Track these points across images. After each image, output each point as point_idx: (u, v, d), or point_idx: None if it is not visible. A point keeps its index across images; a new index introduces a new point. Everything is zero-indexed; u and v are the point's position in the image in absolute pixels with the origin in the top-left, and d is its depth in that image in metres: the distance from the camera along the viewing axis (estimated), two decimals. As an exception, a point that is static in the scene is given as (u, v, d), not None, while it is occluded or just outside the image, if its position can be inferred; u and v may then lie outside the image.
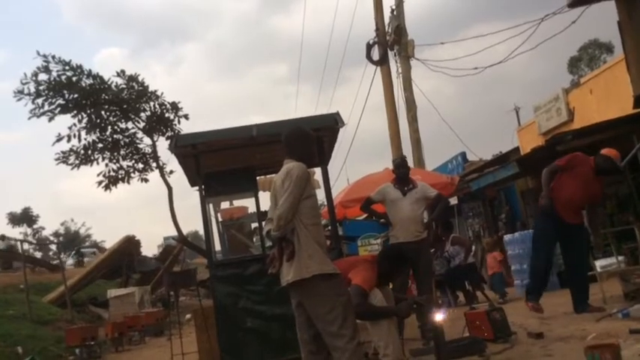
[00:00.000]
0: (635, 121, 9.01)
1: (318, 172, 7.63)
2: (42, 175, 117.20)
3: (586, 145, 9.42)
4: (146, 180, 11.98)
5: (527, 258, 9.95)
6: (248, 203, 10.45)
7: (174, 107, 11.57)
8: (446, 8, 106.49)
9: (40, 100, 10.68)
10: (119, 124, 11.41)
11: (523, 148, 15.86)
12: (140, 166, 11.83)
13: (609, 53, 34.90)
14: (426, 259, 6.55)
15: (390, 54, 13.53)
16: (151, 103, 11.42)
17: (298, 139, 4.05)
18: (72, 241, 51.60)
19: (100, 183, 11.57)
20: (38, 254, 41.74)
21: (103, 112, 11.10)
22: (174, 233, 12.86)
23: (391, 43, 13.40)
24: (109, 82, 11.07)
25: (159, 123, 11.48)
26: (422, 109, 14.02)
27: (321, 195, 7.38)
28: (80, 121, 11.00)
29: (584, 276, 6.66)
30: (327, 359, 3.82)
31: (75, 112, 10.89)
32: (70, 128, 11.00)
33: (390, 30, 13.42)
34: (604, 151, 6.41)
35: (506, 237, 11.90)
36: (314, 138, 4.17)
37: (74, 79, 10.78)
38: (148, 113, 11.43)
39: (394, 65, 13.55)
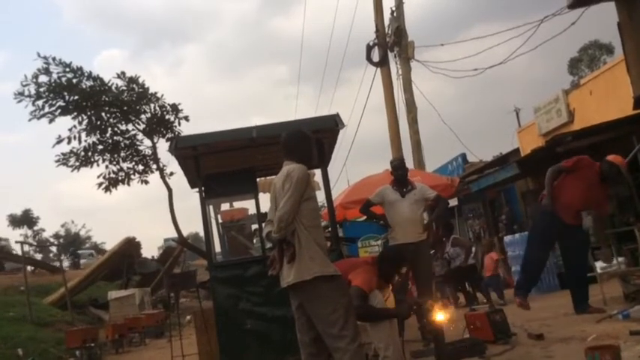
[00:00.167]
0: (635, 122, 9.00)
1: (318, 173, 7.63)
2: (42, 176, 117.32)
3: (586, 146, 9.43)
4: (146, 182, 11.98)
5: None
6: (248, 205, 10.50)
7: (175, 109, 11.55)
8: (446, 10, 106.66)
9: (40, 102, 10.67)
10: (119, 125, 11.40)
11: (523, 149, 15.85)
12: (140, 167, 11.82)
13: (610, 54, 34.91)
14: (426, 261, 6.54)
15: (390, 55, 13.54)
16: (152, 105, 11.41)
17: (297, 141, 4.04)
18: (72, 242, 51.58)
19: (100, 185, 11.56)
20: (39, 256, 41.68)
21: (103, 114, 11.08)
22: (175, 235, 12.84)
23: (391, 44, 13.41)
24: (109, 84, 11.06)
25: (159, 125, 11.47)
26: (422, 110, 14.04)
27: (321, 196, 7.40)
28: (80, 123, 10.99)
29: (583, 276, 6.66)
30: (328, 361, 3.82)
31: (75, 113, 10.87)
32: (70, 130, 11.00)
33: (390, 31, 13.42)
34: (610, 158, 6.39)
35: (507, 238, 11.89)
36: (313, 140, 4.17)
37: (74, 81, 10.77)
38: (149, 115, 11.42)
39: (394, 67, 13.57)
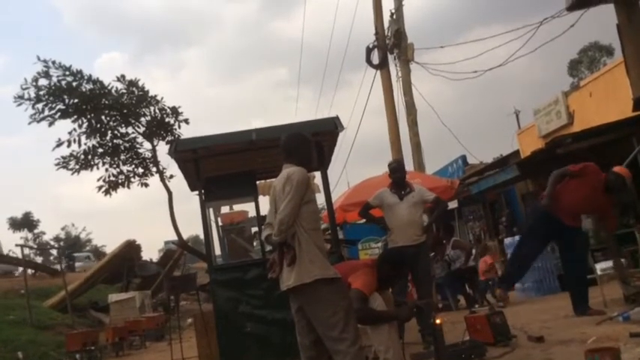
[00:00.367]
0: (635, 124, 9.01)
1: (317, 175, 7.64)
2: (43, 179, 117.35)
3: (586, 148, 9.44)
4: (146, 185, 11.96)
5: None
6: (248, 207, 10.49)
7: (175, 112, 11.55)
8: (445, 12, 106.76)
9: (40, 105, 10.65)
10: (119, 128, 11.38)
11: (523, 151, 15.87)
12: (140, 170, 11.80)
13: (609, 56, 34.94)
14: (425, 263, 6.54)
15: (390, 58, 13.54)
16: (151, 108, 11.40)
17: (297, 143, 4.05)
18: (72, 245, 51.58)
19: (100, 188, 11.55)
20: (39, 259, 41.67)
21: (103, 117, 11.08)
22: (175, 237, 12.85)
23: (391, 46, 13.42)
24: (109, 87, 11.05)
25: (159, 128, 11.46)
26: (422, 112, 14.06)
27: (321, 199, 7.40)
28: (80, 126, 10.98)
29: (582, 277, 6.66)
30: (328, 364, 3.82)
31: (75, 117, 10.86)
32: (70, 133, 10.98)
33: (389, 34, 13.43)
34: (616, 169, 6.41)
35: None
36: (313, 142, 4.17)
37: (74, 84, 10.76)
38: (148, 118, 11.41)
39: (394, 69, 13.57)
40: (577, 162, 6.60)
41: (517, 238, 11.17)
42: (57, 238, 55.17)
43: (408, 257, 5.95)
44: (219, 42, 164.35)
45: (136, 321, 14.64)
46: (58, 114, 10.82)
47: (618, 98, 10.84)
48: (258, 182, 8.14)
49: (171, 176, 11.73)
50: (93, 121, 11.03)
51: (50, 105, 10.75)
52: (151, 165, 11.81)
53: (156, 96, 11.48)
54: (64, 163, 11.15)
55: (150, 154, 11.73)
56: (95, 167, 11.37)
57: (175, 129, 11.64)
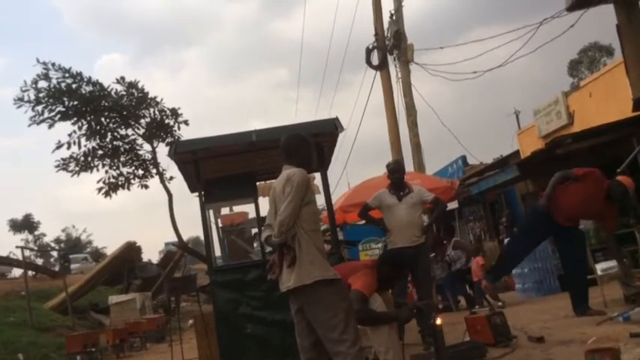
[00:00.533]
0: (635, 124, 9.00)
1: (317, 176, 7.64)
2: (43, 181, 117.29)
3: (586, 148, 9.44)
4: (146, 186, 11.97)
5: (527, 262, 9.96)
6: (248, 209, 10.49)
7: (174, 113, 11.55)
8: (445, 13, 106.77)
9: (39, 108, 10.66)
10: (119, 130, 11.38)
11: (523, 151, 15.87)
12: (140, 172, 11.80)
13: (609, 56, 34.93)
14: (425, 264, 6.53)
15: (390, 59, 13.53)
16: (151, 110, 11.40)
17: (297, 144, 4.05)
18: (73, 247, 51.55)
19: (100, 190, 11.55)
20: (40, 261, 41.65)
21: (102, 119, 11.08)
22: (176, 239, 12.84)
23: (390, 47, 13.41)
24: (108, 89, 11.06)
25: (159, 129, 11.46)
26: (422, 112, 14.02)
27: (320, 200, 7.41)
28: (80, 128, 10.98)
29: (581, 276, 6.66)
30: (328, 366, 3.81)
31: (75, 119, 10.86)
32: (69, 135, 10.99)
33: (389, 35, 13.42)
34: (619, 178, 6.41)
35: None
36: (312, 143, 4.18)
37: (74, 86, 10.76)
38: (148, 120, 11.41)
39: (394, 70, 13.57)
40: (577, 162, 6.61)
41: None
42: (57, 240, 55.18)
43: (407, 258, 5.94)
44: (219, 42, 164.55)
45: (137, 322, 14.64)
46: (58, 116, 10.83)
47: (618, 98, 10.83)
48: (258, 183, 8.14)
49: (171, 178, 11.74)
50: (93, 123, 11.03)
51: (50, 107, 10.77)
52: (151, 166, 11.81)
53: (155, 97, 11.49)
54: (63, 165, 11.16)
55: (150, 156, 11.73)
56: (95, 169, 11.38)
57: (175, 130, 11.65)
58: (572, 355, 4.57)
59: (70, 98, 10.79)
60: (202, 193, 6.87)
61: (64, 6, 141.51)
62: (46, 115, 10.77)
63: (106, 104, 10.98)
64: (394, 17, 13.41)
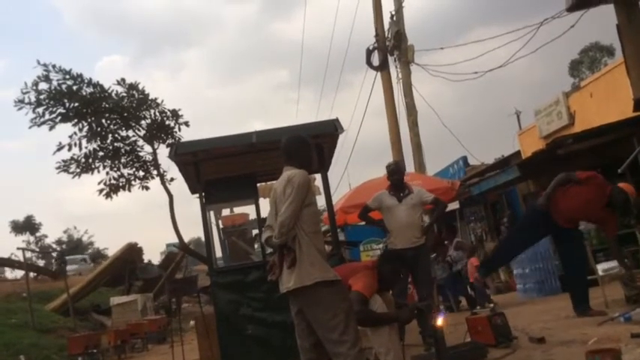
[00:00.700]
0: (636, 125, 9.00)
1: (318, 177, 7.64)
2: (44, 183, 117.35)
3: (587, 149, 9.43)
4: (147, 188, 11.97)
5: (528, 262, 9.97)
6: (249, 210, 10.50)
7: (175, 115, 11.55)
8: (445, 13, 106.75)
9: (40, 109, 10.66)
10: (120, 132, 11.38)
11: (524, 151, 15.86)
12: (141, 173, 11.79)
13: (610, 56, 34.90)
14: (425, 265, 6.53)
15: (390, 59, 13.55)
16: (152, 111, 11.39)
17: (297, 146, 4.05)
18: (74, 248, 51.52)
19: (101, 191, 11.56)
20: (41, 262, 41.61)
21: (103, 121, 11.08)
22: (177, 240, 12.85)
23: (391, 48, 13.42)
24: (109, 91, 11.07)
25: (159, 131, 11.46)
26: (423, 113, 14.02)
27: (321, 201, 7.41)
28: (81, 130, 10.98)
29: (581, 277, 6.65)
30: (328, 367, 3.81)
31: (75, 120, 10.86)
32: (70, 137, 10.99)
33: (389, 35, 13.44)
34: (621, 185, 6.40)
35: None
36: (313, 145, 4.18)
37: (74, 88, 10.76)
38: (149, 121, 11.41)
39: (394, 70, 13.58)
40: (578, 162, 6.62)
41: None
42: (59, 241, 55.09)
43: (407, 259, 5.94)
44: (220, 43, 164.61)
45: (138, 324, 14.65)
46: (59, 118, 10.84)
47: (619, 99, 10.83)
48: (258, 185, 8.15)
49: (172, 179, 11.73)
50: (93, 125, 11.04)
51: (51, 109, 10.77)
52: (152, 168, 11.81)
53: (156, 99, 11.49)
54: (64, 167, 11.16)
55: (150, 157, 11.73)
56: (96, 170, 11.38)
57: (176, 132, 11.65)
58: (573, 356, 4.57)
59: (71, 100, 10.80)
60: (203, 194, 6.87)
61: (65, 7, 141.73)
62: (46, 116, 10.78)
63: (107, 106, 10.98)
64: (394, 18, 13.42)
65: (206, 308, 9.95)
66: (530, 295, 10.20)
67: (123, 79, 11.29)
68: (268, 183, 9.03)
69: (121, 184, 11.68)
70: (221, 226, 10.69)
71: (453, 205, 15.15)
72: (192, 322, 14.57)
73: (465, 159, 19.48)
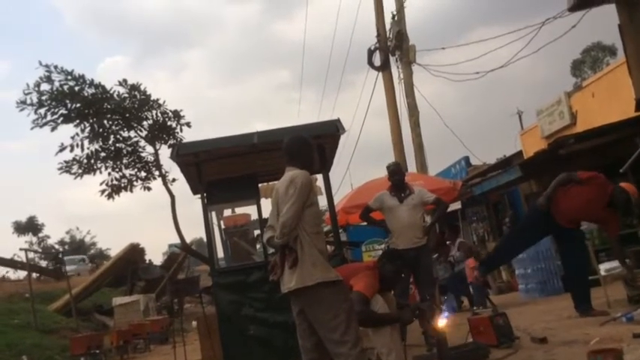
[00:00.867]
0: (638, 124, 8.97)
1: (319, 178, 7.64)
2: (47, 184, 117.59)
3: (589, 149, 9.41)
4: (149, 188, 11.96)
5: (530, 262, 9.95)
6: (250, 210, 10.50)
7: (177, 115, 11.55)
8: (447, 13, 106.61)
9: (42, 110, 10.66)
10: (122, 132, 11.38)
11: (526, 151, 15.84)
12: (143, 174, 11.79)
13: (612, 56, 34.87)
14: (426, 265, 6.53)
15: (392, 59, 13.56)
16: (153, 112, 11.39)
17: (299, 146, 4.06)
18: (77, 249, 51.60)
19: (103, 192, 11.57)
20: (43, 263, 41.63)
21: (105, 122, 11.08)
22: (179, 240, 12.85)
23: (392, 48, 13.43)
24: (111, 92, 11.07)
25: (161, 131, 11.46)
26: (424, 113, 14.02)
27: (323, 201, 7.41)
28: (83, 131, 10.98)
29: (582, 276, 6.64)
30: (329, 367, 3.82)
31: (77, 121, 10.86)
32: (72, 138, 11.00)
33: (391, 35, 13.44)
34: (623, 184, 6.39)
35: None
36: (314, 145, 4.18)
37: (76, 88, 10.77)
38: (150, 122, 11.40)
39: (396, 71, 13.58)
40: (580, 162, 6.60)
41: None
42: (62, 242, 55.17)
43: (409, 260, 5.94)
44: (221, 44, 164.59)
45: (140, 324, 14.66)
46: (61, 119, 10.84)
47: (621, 98, 10.82)
48: (260, 185, 8.15)
49: (174, 180, 11.73)
50: (95, 126, 11.04)
51: (52, 110, 10.77)
52: (154, 168, 11.81)
53: (158, 100, 11.50)
54: (66, 168, 11.17)
55: (152, 158, 11.74)
56: (98, 171, 11.37)
57: (177, 132, 11.65)
58: (575, 356, 4.56)
59: (73, 101, 10.80)
60: (204, 195, 6.88)
61: (66, 8, 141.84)
62: (48, 117, 10.78)
63: (109, 107, 10.99)
64: (396, 18, 13.43)
65: (208, 309, 9.98)
66: (533, 295, 10.18)
67: (125, 80, 11.30)
68: (270, 183, 9.03)
69: (122, 184, 11.68)
70: (223, 226, 10.70)
71: (455, 206, 15.16)
72: (194, 323, 14.58)
73: (466, 159, 19.46)
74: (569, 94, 14.57)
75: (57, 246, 51.97)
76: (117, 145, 11.42)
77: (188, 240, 13.65)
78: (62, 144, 11.00)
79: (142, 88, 11.34)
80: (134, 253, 22.00)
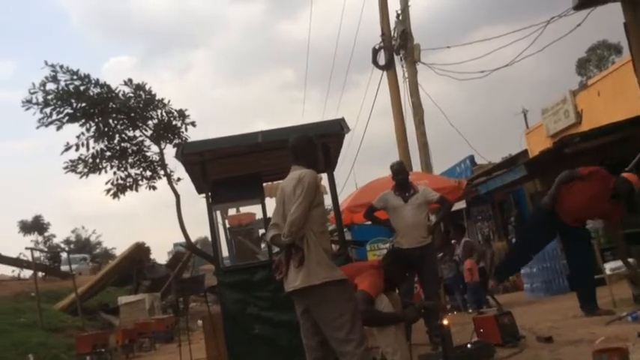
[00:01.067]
0: (643, 123, 8.96)
1: (324, 177, 7.64)
2: (52, 183, 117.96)
3: (594, 147, 9.39)
4: (154, 187, 11.98)
5: (536, 261, 9.93)
6: (255, 210, 10.51)
7: (182, 115, 11.56)
8: (452, 12, 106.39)
9: (48, 110, 10.69)
10: (127, 132, 11.39)
11: (531, 150, 15.81)
12: (148, 173, 11.81)
13: (618, 54, 34.73)
14: (431, 264, 6.52)
15: (396, 58, 13.53)
16: (159, 111, 11.40)
17: (305, 145, 4.07)
18: (82, 248, 51.75)
19: (108, 191, 11.60)
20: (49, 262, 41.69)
21: (110, 121, 11.10)
22: (184, 239, 12.88)
23: (397, 47, 13.40)
24: (116, 91, 11.10)
25: (166, 131, 11.47)
26: (429, 112, 14.00)
27: (327, 200, 7.40)
28: (88, 130, 11.00)
29: (588, 275, 6.62)
30: (334, 366, 3.82)
31: (83, 121, 10.89)
32: (78, 137, 11.03)
33: (395, 35, 13.42)
34: (625, 175, 6.38)
35: (514, 240, 11.83)
36: (319, 145, 4.19)
37: (82, 88, 10.79)
38: (156, 121, 11.42)
39: (400, 70, 13.56)
40: (585, 161, 6.59)
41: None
42: (67, 241, 55.32)
43: (414, 259, 5.94)
44: (226, 44, 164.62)
45: (146, 323, 14.71)
46: (66, 118, 10.87)
47: (627, 97, 10.77)
48: (264, 184, 8.15)
49: (179, 179, 11.75)
50: (101, 125, 11.07)
51: (58, 109, 10.80)
52: (159, 168, 11.83)
53: (163, 99, 11.52)
54: (72, 167, 11.20)
55: (157, 157, 11.75)
56: (103, 170, 11.40)
57: (182, 132, 11.66)
58: (580, 355, 4.56)
59: (78, 100, 10.83)
60: (209, 194, 6.89)
61: (72, 8, 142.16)
62: (54, 117, 10.81)
63: (114, 106, 11.01)
64: (400, 17, 13.40)
65: (213, 307, 9.98)
66: (538, 295, 10.17)
67: (130, 80, 11.32)
68: (274, 182, 9.03)
69: (128, 184, 11.71)
70: (227, 225, 10.69)
71: (460, 205, 15.14)
72: (199, 322, 14.62)
73: (471, 158, 19.44)
74: (574, 92, 14.52)
75: (62, 245, 52.12)
76: (122, 144, 11.45)
77: (193, 239, 13.69)
78: (68, 143, 11.03)
79: (147, 87, 11.37)
80: (139, 252, 22.06)
